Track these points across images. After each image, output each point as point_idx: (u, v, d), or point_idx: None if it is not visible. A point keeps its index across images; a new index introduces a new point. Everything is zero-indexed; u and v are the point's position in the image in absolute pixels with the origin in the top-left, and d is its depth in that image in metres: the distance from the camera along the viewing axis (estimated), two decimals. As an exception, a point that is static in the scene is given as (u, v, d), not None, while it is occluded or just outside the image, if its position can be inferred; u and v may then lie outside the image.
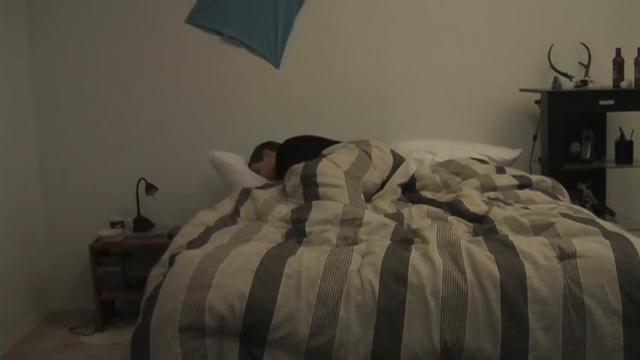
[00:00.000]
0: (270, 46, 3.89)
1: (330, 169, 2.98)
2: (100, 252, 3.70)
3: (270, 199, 2.87)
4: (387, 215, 2.66)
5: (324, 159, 3.06)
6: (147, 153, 3.94)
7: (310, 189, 2.86)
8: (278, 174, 3.36)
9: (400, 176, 3.30)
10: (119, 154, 3.94)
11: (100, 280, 3.68)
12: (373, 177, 3.15)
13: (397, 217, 2.64)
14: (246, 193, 2.98)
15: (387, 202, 2.98)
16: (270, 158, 3.53)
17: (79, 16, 3.85)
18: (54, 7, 3.83)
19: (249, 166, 3.57)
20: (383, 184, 3.23)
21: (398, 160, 3.40)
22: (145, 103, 3.92)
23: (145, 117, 3.93)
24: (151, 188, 3.75)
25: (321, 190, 2.83)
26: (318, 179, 2.88)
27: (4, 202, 3.52)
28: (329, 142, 3.48)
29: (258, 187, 3.14)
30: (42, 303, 3.92)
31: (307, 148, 3.37)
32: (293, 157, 3.27)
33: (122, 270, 3.71)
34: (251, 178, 3.39)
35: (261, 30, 3.87)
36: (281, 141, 3.56)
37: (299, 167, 3.00)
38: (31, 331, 3.72)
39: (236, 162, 3.54)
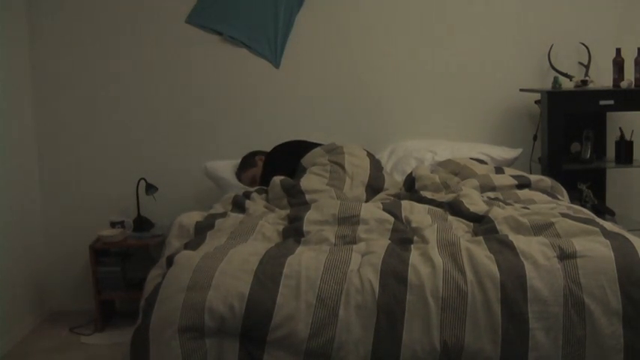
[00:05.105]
0: (270, 46, 3.89)
1: (311, 181, 3.03)
2: (100, 252, 3.70)
3: (263, 214, 2.82)
4: (384, 205, 2.66)
5: (301, 179, 3.07)
6: (147, 153, 3.94)
7: (297, 197, 2.89)
8: (262, 182, 3.36)
9: (393, 187, 3.27)
10: (119, 154, 3.94)
11: (100, 280, 3.68)
12: (353, 191, 3.08)
13: (395, 205, 2.64)
14: (239, 205, 2.94)
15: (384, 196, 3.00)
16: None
17: (79, 16, 3.85)
18: (54, 8, 3.83)
19: (240, 175, 3.54)
20: (377, 190, 3.21)
21: (375, 162, 3.37)
22: (145, 102, 3.92)
23: (144, 117, 3.93)
24: (150, 188, 3.75)
25: (308, 196, 2.86)
26: (303, 188, 2.93)
27: (4, 202, 3.52)
28: (313, 146, 3.47)
29: (251, 192, 3.12)
30: (42, 303, 3.92)
31: (292, 158, 3.38)
32: (278, 165, 3.32)
33: (122, 270, 3.71)
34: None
35: (261, 30, 3.88)
36: (278, 142, 3.56)
37: (279, 181, 3.02)
38: (31, 331, 3.72)
39: (230, 174, 3.55)
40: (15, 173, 3.67)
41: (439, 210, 2.67)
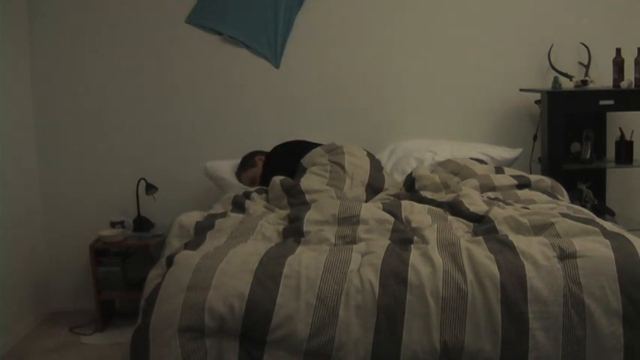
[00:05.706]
0: (270, 46, 3.89)
1: (311, 180, 3.03)
2: (100, 252, 3.70)
3: (263, 214, 2.82)
4: (383, 205, 2.66)
5: (301, 179, 3.07)
6: (147, 153, 3.94)
7: (297, 197, 2.89)
8: (262, 182, 3.36)
9: (393, 187, 3.27)
10: (119, 154, 3.95)
11: (100, 280, 3.68)
12: (353, 191, 3.08)
13: (394, 205, 2.64)
14: (239, 205, 2.94)
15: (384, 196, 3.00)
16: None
17: (79, 16, 3.85)
18: (54, 8, 3.83)
19: (240, 175, 3.55)
20: (377, 190, 3.21)
21: (375, 162, 3.37)
22: (145, 102, 3.92)
23: (145, 117, 3.93)
24: (150, 188, 3.75)
25: (308, 196, 2.86)
26: (303, 188, 2.93)
27: (4, 203, 3.52)
28: (313, 146, 3.48)
29: (251, 192, 3.11)
30: (42, 303, 3.92)
31: (292, 158, 3.38)
32: (278, 164, 3.32)
33: (122, 270, 3.71)
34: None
35: (261, 30, 3.88)
36: (278, 142, 3.56)
37: (279, 181, 3.02)
38: (31, 331, 3.72)
39: (230, 174, 3.55)
40: (15, 173, 3.67)
41: (439, 210, 2.67)
